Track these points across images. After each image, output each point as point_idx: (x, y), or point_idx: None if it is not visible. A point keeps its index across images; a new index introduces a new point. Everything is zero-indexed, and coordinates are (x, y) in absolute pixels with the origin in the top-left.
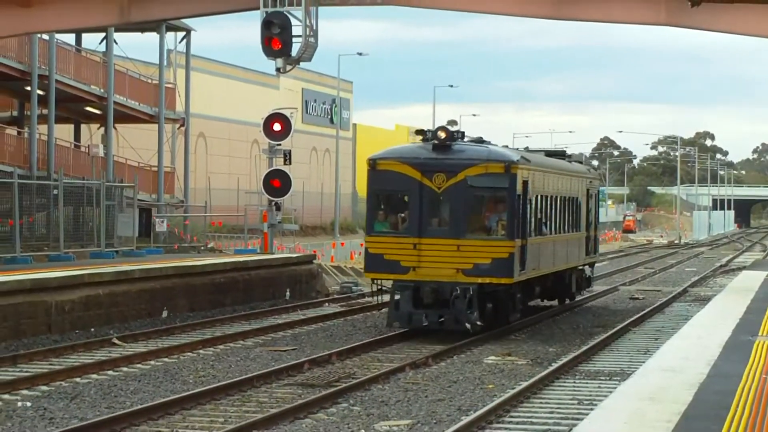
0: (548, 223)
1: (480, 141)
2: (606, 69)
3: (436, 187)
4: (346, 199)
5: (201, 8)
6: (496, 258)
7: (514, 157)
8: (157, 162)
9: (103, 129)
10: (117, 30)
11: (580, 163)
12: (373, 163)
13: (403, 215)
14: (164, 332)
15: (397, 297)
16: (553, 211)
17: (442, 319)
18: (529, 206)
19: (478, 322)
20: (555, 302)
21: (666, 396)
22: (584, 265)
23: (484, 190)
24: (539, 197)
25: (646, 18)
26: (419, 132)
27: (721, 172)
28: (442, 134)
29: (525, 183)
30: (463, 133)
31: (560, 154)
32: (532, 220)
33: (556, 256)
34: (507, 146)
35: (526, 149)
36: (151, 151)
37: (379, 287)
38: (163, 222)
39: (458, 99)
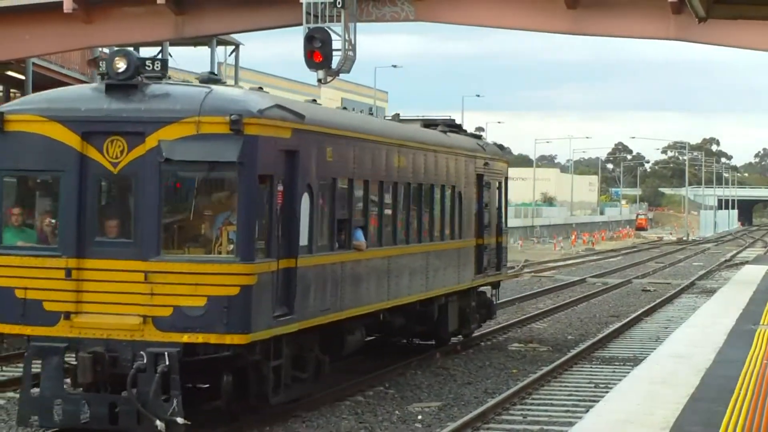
0: (372, 227)
1: (212, 80)
2: (621, 80)
3: (109, 162)
4: None
5: (249, 24)
6: (216, 297)
7: (254, 105)
8: None
9: None
10: (171, 44)
11: (479, 137)
12: None
13: (52, 218)
14: None
15: (37, 368)
16: (387, 207)
17: (118, 409)
18: (307, 198)
19: (180, 420)
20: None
21: (675, 380)
22: (477, 287)
23: (194, 168)
24: (344, 183)
25: (657, 33)
26: (92, 62)
27: (726, 175)
28: (119, 64)
29: (290, 155)
30: (164, 62)
31: (434, 124)
32: (316, 222)
33: (397, 282)
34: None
35: (396, 116)
36: None
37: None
38: None
39: (485, 108)
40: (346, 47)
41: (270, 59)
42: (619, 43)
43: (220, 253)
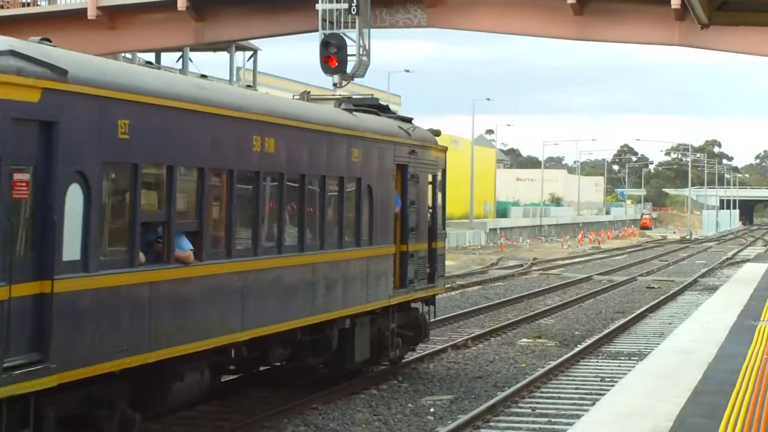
0: (213, 233)
1: None
2: (626, 84)
3: None
4: None
5: (266, 30)
6: None
7: None
8: None
9: None
10: (192, 49)
11: (407, 121)
12: None
13: None
14: None
15: None
16: (242, 206)
17: None
18: (80, 191)
19: None
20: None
21: (679, 374)
22: (401, 304)
23: None
24: (156, 171)
25: (662, 39)
26: None
27: (727, 176)
28: None
29: (43, 129)
30: None
31: (341, 100)
32: (98, 227)
33: (260, 305)
34: None
35: (305, 94)
36: None
37: None
38: None
39: (495, 111)
40: (361, 52)
41: (287, 64)
42: (625, 49)
43: None
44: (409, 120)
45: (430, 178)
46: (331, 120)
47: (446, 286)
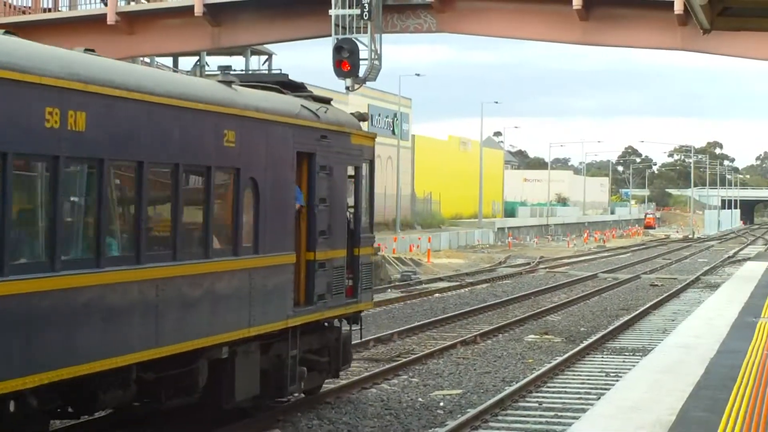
0: None
1: None
2: (630, 87)
3: None
4: (406, 200)
5: (281, 35)
6: None
7: None
8: None
9: None
10: (208, 53)
11: (326, 102)
12: None
13: None
14: None
15: None
16: (26, 205)
17: None
18: None
19: None
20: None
21: (681, 369)
22: (307, 324)
23: None
24: None
25: (665, 43)
26: None
27: (729, 177)
28: None
29: None
30: None
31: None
32: None
33: (66, 338)
34: None
35: (198, 65)
36: None
37: None
38: None
39: (504, 113)
40: (372, 57)
41: (300, 68)
42: (629, 53)
43: None
44: (326, 101)
45: (350, 171)
46: (186, 92)
47: (373, 301)
